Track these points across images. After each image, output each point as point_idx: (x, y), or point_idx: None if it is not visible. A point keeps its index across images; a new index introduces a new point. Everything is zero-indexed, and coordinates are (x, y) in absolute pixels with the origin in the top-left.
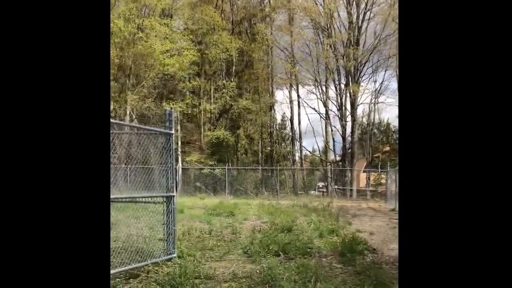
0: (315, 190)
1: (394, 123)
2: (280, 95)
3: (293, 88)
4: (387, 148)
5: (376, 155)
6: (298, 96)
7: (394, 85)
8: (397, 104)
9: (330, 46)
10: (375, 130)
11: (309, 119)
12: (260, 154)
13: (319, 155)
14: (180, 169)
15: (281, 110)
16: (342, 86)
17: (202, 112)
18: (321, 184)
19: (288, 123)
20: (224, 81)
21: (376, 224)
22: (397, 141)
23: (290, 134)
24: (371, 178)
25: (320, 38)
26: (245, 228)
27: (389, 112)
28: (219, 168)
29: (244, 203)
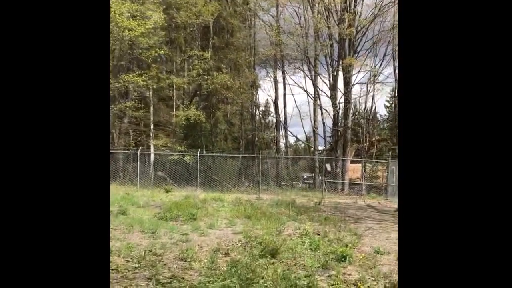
0: (300, 182)
1: (390, 108)
2: (264, 73)
3: (278, 65)
4: (385, 136)
5: (372, 143)
6: (284, 71)
7: (389, 69)
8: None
9: (323, 11)
10: (375, 115)
11: (295, 102)
12: (241, 140)
13: (306, 142)
14: (152, 156)
15: (264, 90)
16: (335, 62)
17: (172, 89)
18: (306, 175)
19: (272, 105)
20: (196, 51)
21: (394, 236)
22: (396, 128)
23: (274, 117)
24: (367, 170)
25: (310, 1)
26: (206, 244)
27: (385, 95)
28: (189, 155)
29: (217, 198)
